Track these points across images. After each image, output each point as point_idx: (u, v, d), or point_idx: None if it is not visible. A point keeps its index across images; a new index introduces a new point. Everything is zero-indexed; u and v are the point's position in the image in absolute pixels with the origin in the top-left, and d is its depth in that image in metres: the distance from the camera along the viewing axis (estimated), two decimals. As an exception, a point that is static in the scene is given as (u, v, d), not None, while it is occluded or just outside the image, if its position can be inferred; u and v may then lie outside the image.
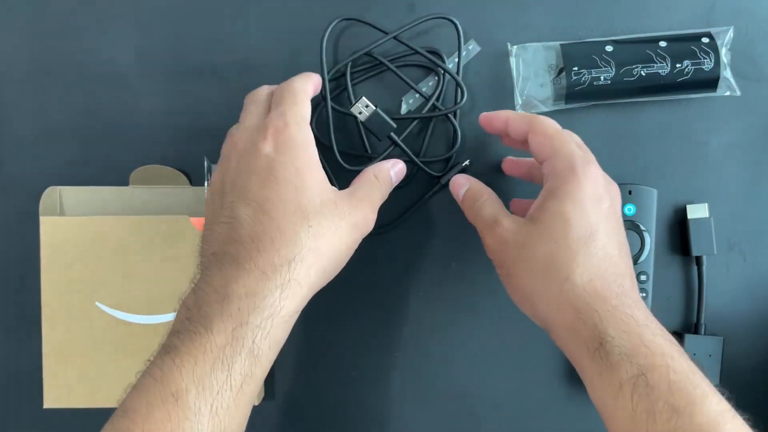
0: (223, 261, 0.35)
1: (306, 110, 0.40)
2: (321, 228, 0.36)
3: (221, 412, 0.31)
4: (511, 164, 0.48)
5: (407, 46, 0.48)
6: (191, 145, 0.50)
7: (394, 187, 0.44)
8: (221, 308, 0.33)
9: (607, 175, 0.40)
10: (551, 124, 0.40)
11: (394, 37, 0.48)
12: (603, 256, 0.36)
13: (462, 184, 0.44)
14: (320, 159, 0.40)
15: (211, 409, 0.31)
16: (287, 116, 0.38)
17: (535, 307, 0.38)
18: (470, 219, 0.42)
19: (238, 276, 0.34)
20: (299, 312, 0.37)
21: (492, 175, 0.50)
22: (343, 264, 0.39)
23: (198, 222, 0.47)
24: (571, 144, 0.39)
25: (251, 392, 0.34)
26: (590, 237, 0.36)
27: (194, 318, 0.33)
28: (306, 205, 0.36)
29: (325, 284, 0.39)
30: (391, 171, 0.43)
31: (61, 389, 0.47)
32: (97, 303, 0.47)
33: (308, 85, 0.42)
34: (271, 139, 0.38)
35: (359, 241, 0.40)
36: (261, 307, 0.34)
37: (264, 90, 0.42)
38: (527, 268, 0.37)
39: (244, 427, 0.34)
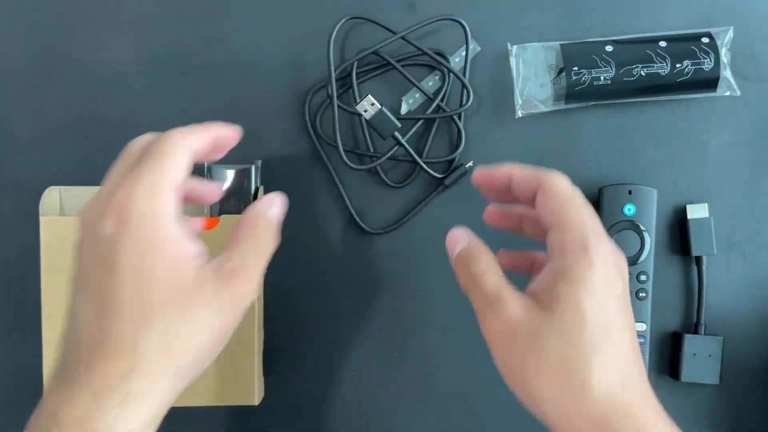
0: (61, 373, 0.31)
1: (171, 173, 0.32)
2: (171, 326, 0.30)
3: None
4: (496, 216, 0.41)
5: (415, 46, 0.49)
6: (191, 145, 0.50)
7: (279, 228, 0.36)
8: None
9: (617, 248, 0.35)
10: (565, 185, 0.35)
11: (402, 38, 0.48)
12: (620, 357, 0.33)
13: (458, 240, 0.38)
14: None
15: None
16: (138, 184, 0.31)
17: (544, 410, 0.33)
18: (464, 286, 0.36)
19: (70, 397, 0.29)
20: (153, 425, 0.31)
21: (492, 175, 0.50)
22: (213, 356, 0.32)
23: (198, 222, 0.47)
24: (586, 214, 0.34)
25: None
26: (606, 334, 0.33)
27: None
28: (149, 300, 0.30)
29: (186, 386, 0.32)
30: (269, 213, 0.36)
31: (61, 389, 0.47)
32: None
33: (191, 139, 0.33)
34: (113, 216, 0.30)
35: (237, 319, 0.32)
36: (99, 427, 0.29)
37: (143, 140, 0.35)
38: (538, 367, 0.33)
39: None
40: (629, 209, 0.48)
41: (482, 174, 0.38)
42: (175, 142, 0.33)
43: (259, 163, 0.49)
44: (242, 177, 0.48)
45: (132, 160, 0.33)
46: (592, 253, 0.33)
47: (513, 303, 0.34)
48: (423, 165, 0.49)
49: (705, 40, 0.47)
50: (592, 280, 0.33)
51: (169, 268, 0.30)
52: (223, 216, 0.47)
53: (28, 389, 0.49)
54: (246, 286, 0.32)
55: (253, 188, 0.48)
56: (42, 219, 0.47)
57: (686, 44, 0.47)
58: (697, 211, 0.49)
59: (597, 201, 0.48)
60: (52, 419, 0.29)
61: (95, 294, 0.30)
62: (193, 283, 0.31)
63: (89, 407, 0.29)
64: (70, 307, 0.32)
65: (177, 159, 0.32)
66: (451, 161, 0.50)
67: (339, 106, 0.47)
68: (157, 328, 0.30)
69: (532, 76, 0.49)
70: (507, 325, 0.34)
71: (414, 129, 0.49)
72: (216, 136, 0.35)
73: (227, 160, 0.50)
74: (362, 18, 0.48)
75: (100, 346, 0.30)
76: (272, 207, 0.36)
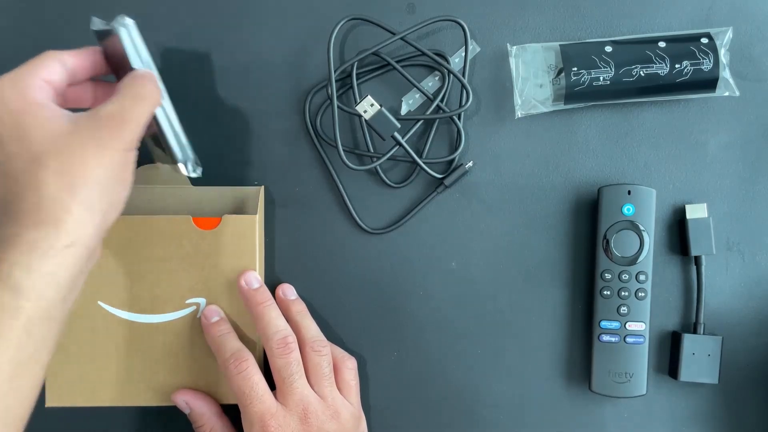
0: None
1: (37, 70, 0.37)
2: (62, 165, 0.34)
3: None
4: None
5: (415, 47, 0.49)
6: (192, 145, 0.50)
7: (160, 98, 0.40)
8: None
9: None
10: None
11: (402, 38, 0.48)
12: None
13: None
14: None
15: None
16: (3, 78, 0.37)
17: None
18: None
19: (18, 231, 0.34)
20: (86, 248, 0.35)
21: (493, 177, 0.50)
22: (124, 190, 0.38)
23: (200, 222, 0.47)
24: None
25: (20, 326, 0.33)
26: None
27: None
28: (35, 149, 0.35)
29: (113, 213, 0.37)
30: (150, 73, 0.40)
31: (63, 388, 0.47)
32: (99, 302, 0.47)
33: (64, 54, 0.39)
34: None
35: (125, 163, 0.37)
36: (21, 246, 0.33)
37: None
38: None
39: (29, 368, 0.34)
40: (628, 209, 0.48)
41: None
42: (46, 54, 0.38)
43: (129, 21, 0.41)
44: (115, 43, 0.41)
45: None
46: None
47: None
48: (423, 165, 0.49)
49: (704, 40, 0.47)
50: None
51: (42, 123, 0.35)
52: (224, 216, 0.47)
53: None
54: (122, 130, 0.36)
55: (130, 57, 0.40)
56: (44, 219, 0.47)
57: (685, 45, 0.47)
58: (696, 211, 0.49)
59: (596, 201, 0.49)
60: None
61: None
62: (68, 130, 0.35)
63: (21, 232, 0.33)
64: None
65: (45, 62, 0.37)
66: (451, 161, 0.50)
67: (339, 107, 0.48)
68: (51, 167, 0.34)
69: (531, 76, 0.49)
70: None
71: (414, 129, 0.50)
72: (92, 58, 0.40)
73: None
74: (362, 19, 0.49)
75: (14, 200, 0.34)
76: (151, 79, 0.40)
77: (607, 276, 0.48)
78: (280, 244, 0.51)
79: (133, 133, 0.37)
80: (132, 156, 0.37)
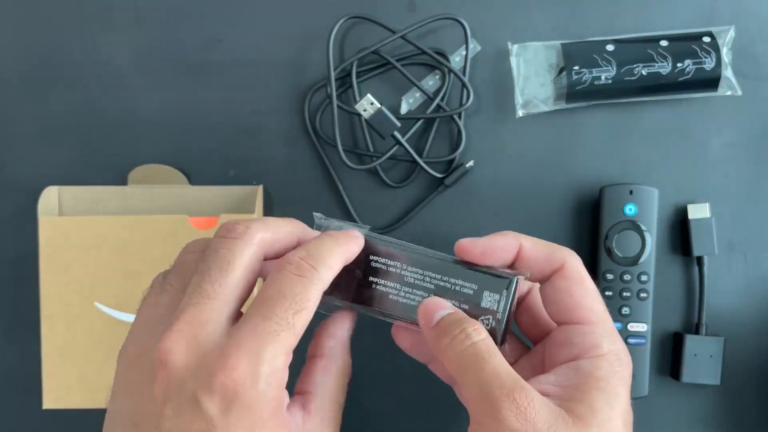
0: None
1: (295, 338, 0.27)
2: None
3: None
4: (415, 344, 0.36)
5: (415, 45, 0.48)
6: (190, 144, 0.50)
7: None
8: None
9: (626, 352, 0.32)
10: (583, 269, 0.32)
11: (402, 37, 0.48)
12: None
13: (442, 306, 0.31)
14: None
15: None
16: (259, 361, 0.26)
17: None
18: (454, 362, 0.30)
19: None
20: None
21: (494, 176, 0.50)
22: None
23: (197, 222, 0.46)
24: (605, 308, 0.32)
25: None
26: None
27: None
28: None
29: None
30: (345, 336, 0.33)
31: (61, 390, 0.47)
32: (95, 303, 0.47)
33: (336, 254, 0.30)
34: (219, 396, 0.25)
35: None
36: None
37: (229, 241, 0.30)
38: None
39: None
40: (630, 209, 0.48)
41: (480, 247, 0.32)
42: (310, 294, 0.28)
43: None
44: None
45: (203, 291, 0.28)
46: (626, 366, 0.31)
47: (538, 401, 0.28)
48: (423, 165, 0.48)
49: (706, 39, 0.47)
50: (625, 399, 0.30)
51: None
52: (221, 216, 0.47)
53: (27, 389, 0.49)
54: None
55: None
56: (41, 219, 0.47)
57: (687, 43, 0.47)
58: (698, 211, 0.49)
59: (598, 201, 0.48)
60: None
61: None
62: None
63: None
64: None
65: (308, 314, 0.28)
66: (452, 161, 0.50)
67: (338, 106, 0.47)
68: None
69: (532, 75, 0.49)
70: (531, 424, 0.27)
71: (414, 128, 0.49)
72: (352, 250, 0.33)
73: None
74: (362, 17, 0.48)
75: None
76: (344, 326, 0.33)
77: (609, 276, 0.48)
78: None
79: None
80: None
